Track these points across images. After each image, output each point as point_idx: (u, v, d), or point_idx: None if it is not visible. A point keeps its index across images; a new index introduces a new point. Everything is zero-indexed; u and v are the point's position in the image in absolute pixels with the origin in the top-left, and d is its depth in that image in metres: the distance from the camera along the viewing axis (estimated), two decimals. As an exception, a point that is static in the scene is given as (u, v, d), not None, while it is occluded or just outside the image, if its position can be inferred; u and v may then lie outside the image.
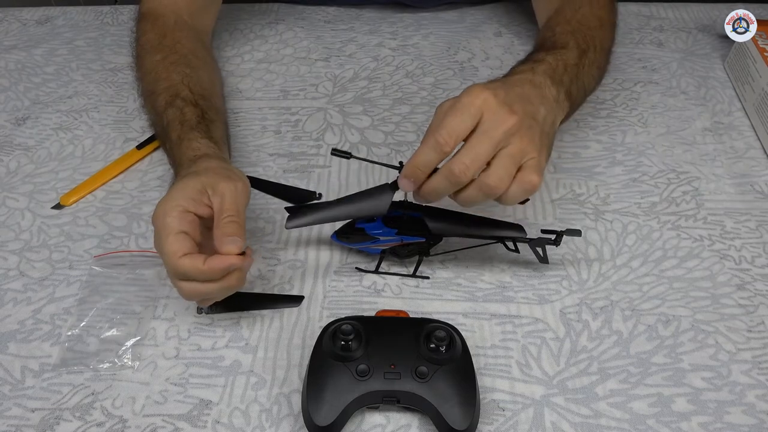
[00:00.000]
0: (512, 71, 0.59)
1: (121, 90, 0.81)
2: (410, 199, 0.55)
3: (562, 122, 0.59)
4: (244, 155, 0.71)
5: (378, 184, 0.54)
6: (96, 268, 0.59)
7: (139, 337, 0.54)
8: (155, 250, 0.50)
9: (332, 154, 0.53)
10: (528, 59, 0.61)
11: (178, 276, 0.49)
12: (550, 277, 0.58)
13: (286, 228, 0.54)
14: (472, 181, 0.50)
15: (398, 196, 0.54)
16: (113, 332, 0.54)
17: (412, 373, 0.46)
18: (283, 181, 0.68)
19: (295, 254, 0.61)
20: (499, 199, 0.51)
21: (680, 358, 0.52)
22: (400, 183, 0.51)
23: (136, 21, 0.76)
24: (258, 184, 0.67)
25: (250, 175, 0.68)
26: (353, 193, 0.55)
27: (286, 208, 0.59)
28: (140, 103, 0.73)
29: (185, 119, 0.62)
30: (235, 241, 0.48)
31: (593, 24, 0.68)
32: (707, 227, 0.63)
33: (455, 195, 0.52)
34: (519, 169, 0.50)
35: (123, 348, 0.53)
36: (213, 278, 0.49)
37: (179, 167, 0.58)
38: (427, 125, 0.73)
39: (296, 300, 0.57)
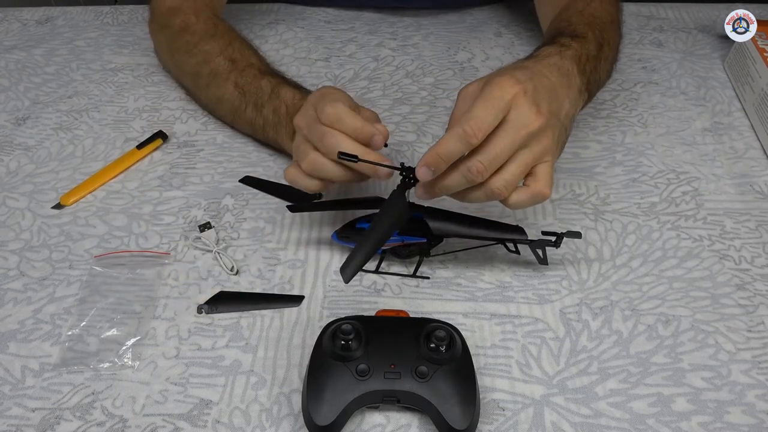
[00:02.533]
0: (538, 53, 0.58)
1: (121, 90, 0.81)
2: (412, 199, 0.55)
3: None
4: (244, 155, 0.71)
5: (387, 195, 0.53)
6: (96, 268, 0.59)
7: (139, 337, 0.54)
8: (153, 252, 0.49)
9: (339, 158, 0.51)
10: (553, 41, 0.60)
11: (330, 118, 0.52)
12: (550, 277, 0.58)
13: (346, 282, 0.50)
14: None
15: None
16: (113, 332, 0.54)
17: (412, 372, 0.46)
18: (283, 181, 0.68)
19: (295, 254, 0.61)
20: (504, 203, 0.51)
21: (680, 358, 0.52)
22: (419, 171, 0.49)
23: (161, 16, 0.77)
24: (258, 184, 0.67)
25: (250, 175, 0.68)
26: (374, 215, 0.53)
27: (287, 206, 0.59)
28: (194, 84, 0.75)
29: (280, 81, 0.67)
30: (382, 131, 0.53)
31: (606, 19, 0.67)
32: (707, 227, 0.63)
33: (458, 192, 0.51)
34: (530, 173, 0.50)
35: (123, 348, 0.53)
36: (359, 136, 0.52)
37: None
38: (427, 125, 0.74)
39: (296, 300, 0.57)
